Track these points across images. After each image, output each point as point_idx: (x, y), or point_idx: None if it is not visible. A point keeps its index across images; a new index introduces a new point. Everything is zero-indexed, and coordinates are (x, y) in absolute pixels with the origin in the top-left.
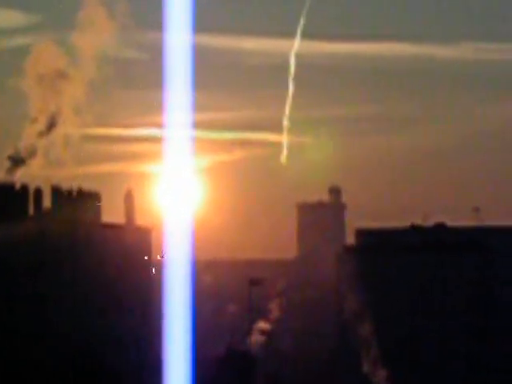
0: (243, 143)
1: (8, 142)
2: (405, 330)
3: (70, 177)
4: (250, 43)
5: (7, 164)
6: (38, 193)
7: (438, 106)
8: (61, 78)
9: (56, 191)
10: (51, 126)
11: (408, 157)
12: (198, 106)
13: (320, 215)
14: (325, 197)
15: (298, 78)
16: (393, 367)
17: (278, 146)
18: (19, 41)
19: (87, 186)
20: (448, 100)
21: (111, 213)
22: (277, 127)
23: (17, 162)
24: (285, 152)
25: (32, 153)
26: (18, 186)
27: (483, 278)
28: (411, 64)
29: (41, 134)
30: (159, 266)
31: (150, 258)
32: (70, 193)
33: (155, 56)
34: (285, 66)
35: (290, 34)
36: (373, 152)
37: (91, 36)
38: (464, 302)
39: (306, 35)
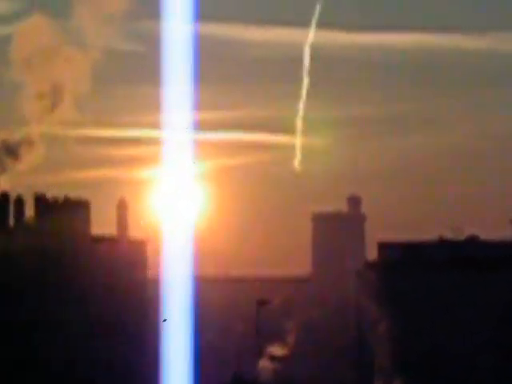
0: (251, 146)
1: None
2: (433, 349)
3: (57, 183)
4: (258, 33)
5: None
6: (20, 201)
7: (466, 104)
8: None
9: (40, 200)
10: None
11: (436, 161)
12: (199, 104)
13: (338, 227)
14: (343, 207)
15: (313, 73)
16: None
17: (290, 149)
18: (3, 29)
19: (76, 193)
20: (477, 97)
21: (102, 224)
22: (289, 128)
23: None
24: (298, 156)
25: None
26: None
27: None
28: (437, 57)
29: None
30: (156, 284)
31: (145, 274)
32: (55, 201)
33: (153, 48)
34: (298, 59)
35: (304, 24)
36: (397, 156)
37: (81, 25)
38: (495, 321)
39: (322, 24)
